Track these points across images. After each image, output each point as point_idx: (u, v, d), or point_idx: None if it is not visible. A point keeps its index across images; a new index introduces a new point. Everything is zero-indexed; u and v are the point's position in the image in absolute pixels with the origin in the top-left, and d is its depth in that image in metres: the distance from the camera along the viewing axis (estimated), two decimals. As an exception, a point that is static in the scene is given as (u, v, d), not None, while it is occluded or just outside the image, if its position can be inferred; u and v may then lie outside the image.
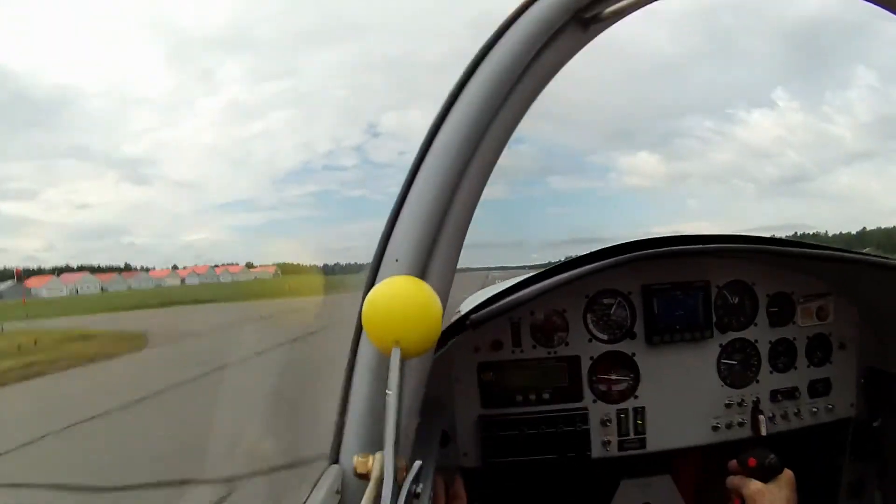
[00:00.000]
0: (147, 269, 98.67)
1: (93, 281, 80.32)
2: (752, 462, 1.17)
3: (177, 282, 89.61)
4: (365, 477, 0.64)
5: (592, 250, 1.49)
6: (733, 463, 1.23)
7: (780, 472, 1.15)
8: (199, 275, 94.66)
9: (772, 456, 1.15)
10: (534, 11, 0.78)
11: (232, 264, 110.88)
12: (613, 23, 0.83)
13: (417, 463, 0.66)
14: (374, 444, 0.74)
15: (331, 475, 0.76)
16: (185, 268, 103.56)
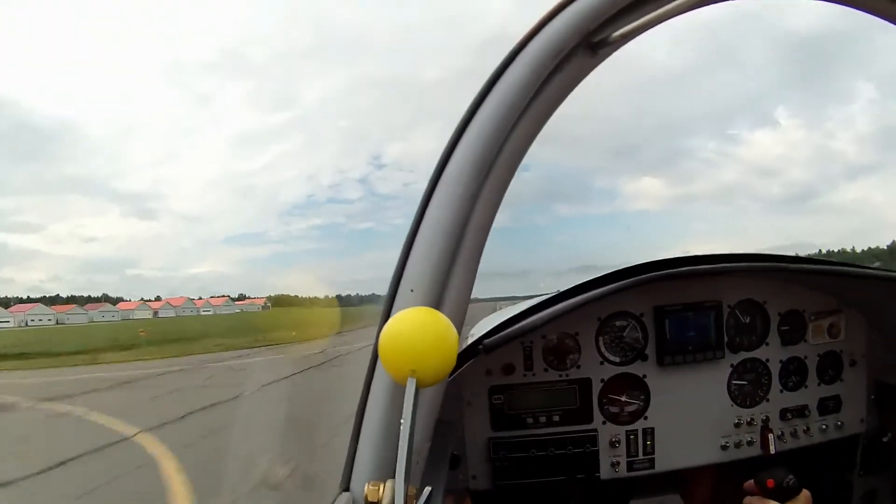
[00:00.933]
0: (115, 301, 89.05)
1: (47, 313, 70.67)
2: (770, 483, 1.18)
3: (147, 314, 79.90)
4: None
5: (604, 273, 1.52)
6: (750, 483, 1.23)
7: (799, 493, 1.17)
8: (174, 307, 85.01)
9: (790, 477, 1.17)
10: (543, 37, 0.81)
11: (215, 296, 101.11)
12: (621, 46, 0.86)
13: (427, 489, 0.70)
14: (386, 472, 0.75)
15: (341, 503, 0.77)
16: (157, 298, 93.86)
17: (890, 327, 1.59)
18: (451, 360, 0.62)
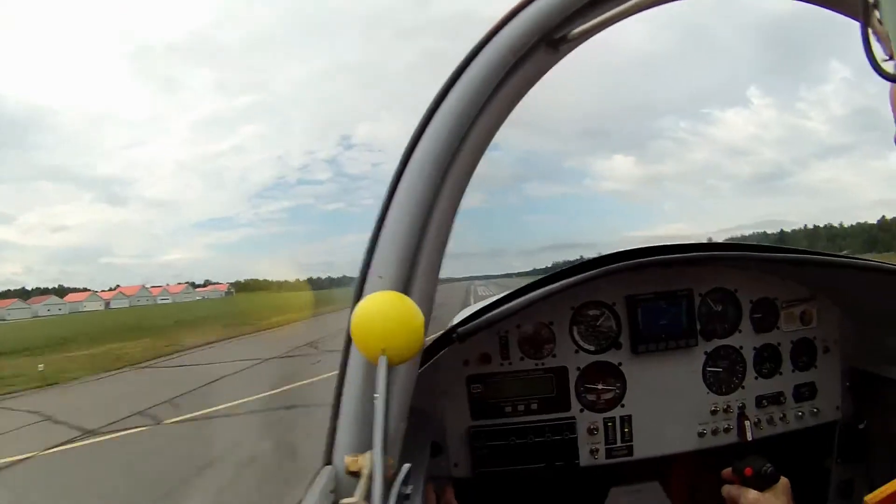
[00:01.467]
0: (63, 293, 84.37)
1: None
2: (748, 471, 1.20)
3: (98, 305, 76.14)
4: (356, 475, 0.70)
5: (577, 262, 1.60)
6: (728, 471, 1.26)
7: (777, 480, 1.18)
8: (127, 296, 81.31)
9: (768, 464, 1.19)
10: (504, 34, 0.85)
11: (175, 284, 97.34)
12: (582, 42, 0.90)
13: (406, 465, 0.75)
14: (365, 445, 0.79)
15: (325, 476, 0.80)
16: (116, 288, 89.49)
17: (862, 314, 1.65)
18: (419, 339, 0.69)
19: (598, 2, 0.85)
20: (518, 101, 0.90)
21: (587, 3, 0.85)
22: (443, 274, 0.90)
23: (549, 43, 0.86)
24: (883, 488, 0.80)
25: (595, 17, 0.84)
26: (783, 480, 1.17)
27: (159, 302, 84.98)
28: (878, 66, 0.58)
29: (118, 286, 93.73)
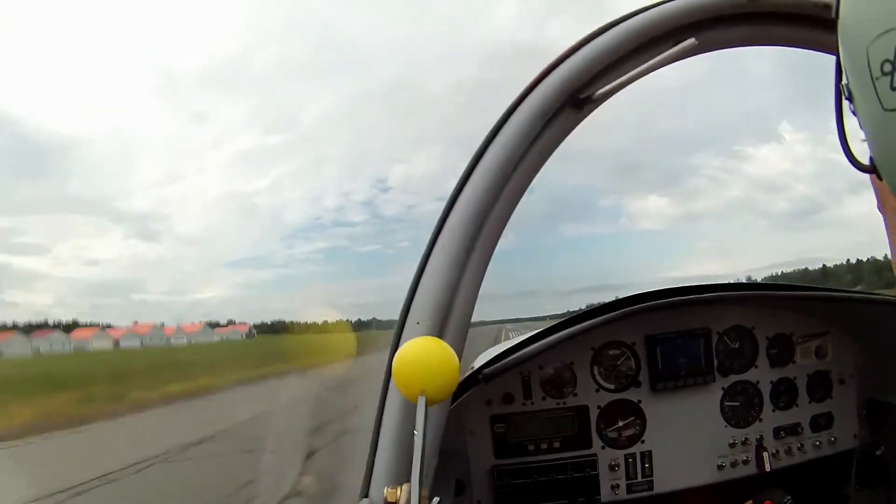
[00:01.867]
0: (69, 328, 79.07)
1: (-22, 342, 60.89)
2: None
3: (107, 344, 69.77)
4: None
5: (597, 304, 1.67)
6: None
7: None
8: (139, 336, 74.88)
9: (788, 497, 1.27)
10: (533, 98, 0.94)
11: (191, 324, 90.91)
12: (604, 102, 0.97)
13: (437, 499, 0.82)
14: (401, 479, 0.85)
15: None
16: (135, 323, 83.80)
17: (876, 347, 1.68)
18: (455, 381, 0.75)
19: (620, 62, 0.92)
20: (546, 160, 0.97)
21: (609, 64, 0.91)
22: (472, 317, 0.97)
23: (574, 104, 0.93)
24: None
25: (617, 78, 0.91)
26: None
27: (173, 342, 78.59)
28: (853, 156, 0.59)
29: (135, 323, 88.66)
